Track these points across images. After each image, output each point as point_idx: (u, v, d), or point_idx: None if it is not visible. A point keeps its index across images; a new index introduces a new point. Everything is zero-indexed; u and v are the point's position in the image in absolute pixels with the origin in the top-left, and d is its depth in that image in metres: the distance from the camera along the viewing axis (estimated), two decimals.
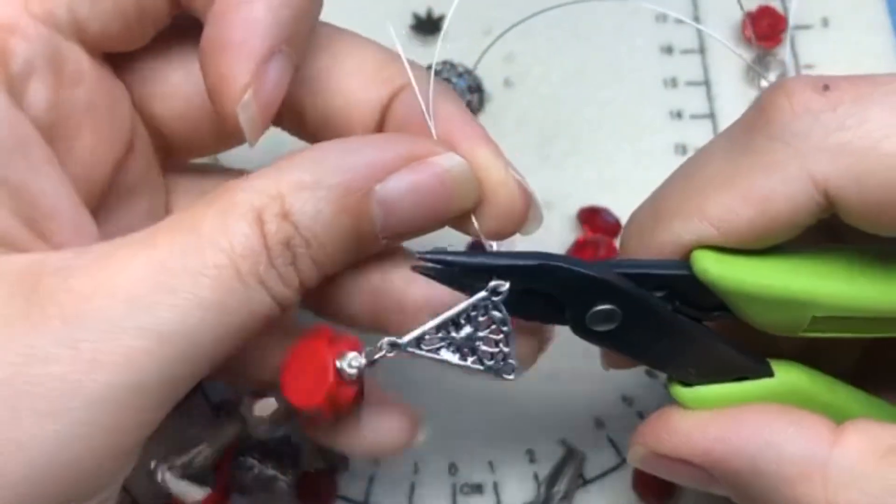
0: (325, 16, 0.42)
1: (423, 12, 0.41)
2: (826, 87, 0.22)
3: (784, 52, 0.40)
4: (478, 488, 0.33)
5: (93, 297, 0.21)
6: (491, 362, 0.24)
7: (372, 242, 0.24)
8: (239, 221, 0.22)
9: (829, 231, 0.24)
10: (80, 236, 0.24)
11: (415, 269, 0.24)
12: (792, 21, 0.40)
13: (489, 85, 0.40)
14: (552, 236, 0.36)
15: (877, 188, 0.21)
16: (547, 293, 0.24)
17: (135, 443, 0.22)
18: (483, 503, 0.33)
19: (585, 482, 0.33)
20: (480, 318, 0.24)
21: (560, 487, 0.32)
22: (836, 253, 0.24)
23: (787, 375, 0.25)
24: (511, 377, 0.24)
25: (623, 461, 0.33)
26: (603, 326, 0.24)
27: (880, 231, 0.22)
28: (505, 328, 0.24)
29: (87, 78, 0.25)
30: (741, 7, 0.38)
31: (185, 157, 0.30)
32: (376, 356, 0.24)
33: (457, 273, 0.24)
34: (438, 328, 0.24)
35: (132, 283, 0.21)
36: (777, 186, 0.22)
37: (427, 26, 0.41)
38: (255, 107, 0.23)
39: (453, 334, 0.24)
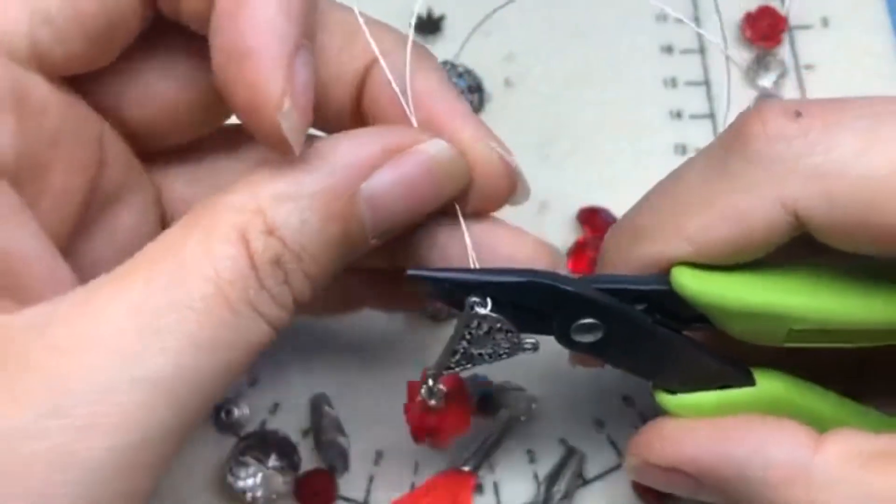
0: None
1: (423, 12, 0.41)
2: (798, 114, 0.23)
3: (784, 52, 0.40)
4: (478, 488, 0.33)
5: (75, 353, 0.19)
6: (508, 348, 0.25)
7: (362, 244, 0.23)
8: (222, 244, 0.20)
9: (809, 245, 0.24)
10: (55, 285, 0.22)
11: (409, 279, 0.24)
12: (792, 21, 0.40)
13: (489, 85, 0.40)
14: (552, 236, 0.36)
15: (844, 210, 0.22)
16: (532, 306, 0.24)
17: (146, 495, 0.21)
18: (483, 503, 0.33)
19: (585, 482, 0.33)
20: (480, 333, 0.24)
21: (560, 487, 0.32)
22: (813, 267, 0.24)
23: (768, 384, 0.26)
24: (534, 350, 0.25)
25: (623, 461, 0.33)
26: (587, 338, 0.25)
27: (852, 249, 0.23)
28: (502, 327, 0.24)
29: (51, 108, 0.23)
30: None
31: (166, 146, 0.27)
32: (433, 384, 0.25)
33: (447, 289, 0.24)
34: (453, 354, 0.24)
35: (115, 331, 0.19)
36: (752, 207, 0.23)
37: (427, 26, 0.41)
38: (296, 113, 0.21)
39: (471, 352, 0.24)
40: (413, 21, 0.27)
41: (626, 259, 0.25)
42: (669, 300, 0.24)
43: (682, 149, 0.39)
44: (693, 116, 0.39)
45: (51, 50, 0.23)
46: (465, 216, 0.25)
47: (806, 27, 0.40)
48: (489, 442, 0.33)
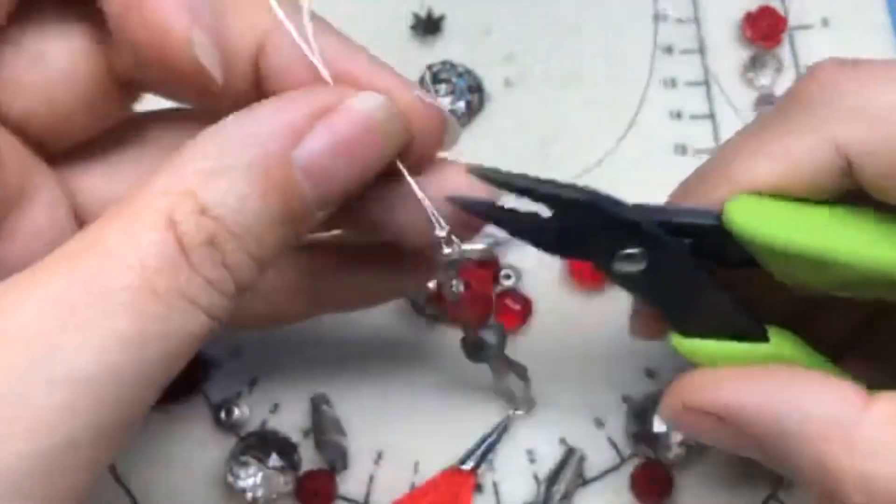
0: (326, 15, 0.42)
1: (423, 12, 0.41)
2: (853, 64, 0.24)
3: (784, 52, 0.40)
4: (478, 488, 0.33)
5: None
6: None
7: (306, 217, 0.21)
8: (147, 231, 0.19)
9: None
10: None
11: (470, 172, 0.23)
12: (792, 21, 0.40)
13: (489, 85, 0.40)
14: None
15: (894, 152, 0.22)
16: (579, 232, 0.24)
17: (81, 494, 0.19)
18: (483, 503, 0.33)
19: (585, 482, 0.33)
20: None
21: (560, 487, 0.32)
22: (869, 214, 0.24)
23: (781, 343, 0.26)
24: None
25: (622, 461, 0.33)
26: (628, 268, 0.25)
27: None
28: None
29: None
30: None
31: (69, 142, 0.25)
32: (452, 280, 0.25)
33: (498, 209, 0.24)
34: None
35: (31, 327, 0.18)
36: (801, 149, 0.23)
37: (427, 26, 0.41)
38: (207, 39, 0.21)
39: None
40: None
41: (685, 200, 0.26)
42: (719, 238, 0.24)
43: (682, 149, 0.39)
44: (693, 116, 0.39)
45: None
46: (408, 170, 0.23)
47: (806, 27, 0.40)
48: (488, 441, 0.33)
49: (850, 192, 0.24)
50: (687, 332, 0.26)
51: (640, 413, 0.33)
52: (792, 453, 0.22)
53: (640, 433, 0.33)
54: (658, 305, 0.26)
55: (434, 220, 0.23)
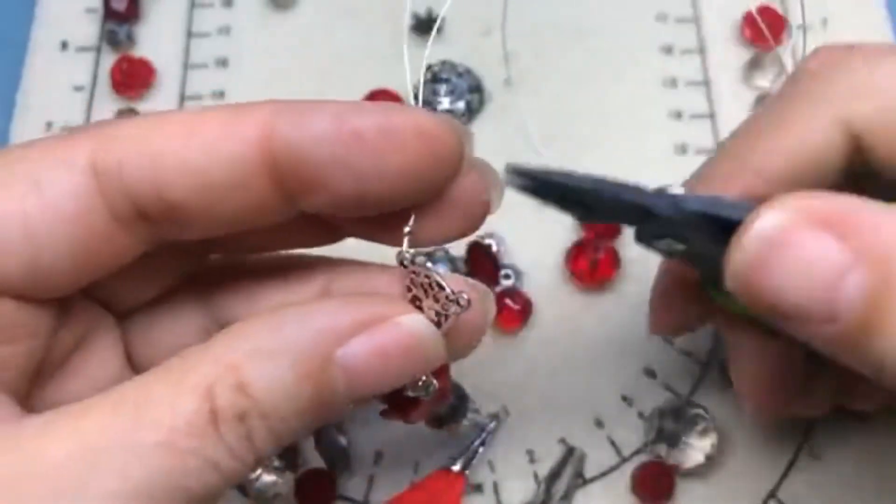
0: (326, 15, 0.42)
1: (422, 12, 0.41)
2: (848, 47, 0.24)
3: (784, 52, 0.40)
4: (478, 488, 0.33)
5: (17, 481, 0.19)
6: (451, 306, 0.23)
7: (335, 407, 0.22)
8: (187, 395, 0.20)
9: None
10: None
11: (509, 172, 0.23)
12: (792, 21, 0.40)
13: (489, 85, 0.40)
14: (552, 236, 0.36)
15: None
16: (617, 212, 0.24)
17: None
18: (483, 503, 0.33)
19: (585, 482, 0.33)
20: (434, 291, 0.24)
21: (559, 487, 0.32)
22: None
23: None
24: (466, 306, 0.23)
25: (622, 461, 0.33)
26: (668, 249, 0.24)
27: None
28: (435, 280, 0.23)
29: None
30: None
31: (133, 304, 0.27)
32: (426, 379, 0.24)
33: (543, 189, 0.23)
34: None
35: (56, 467, 0.19)
36: (808, 128, 0.23)
37: (427, 26, 0.41)
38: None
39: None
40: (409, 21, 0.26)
41: (704, 191, 0.26)
42: None
43: (682, 149, 0.39)
44: (693, 116, 0.39)
45: (10, 277, 0.22)
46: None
47: (806, 27, 0.40)
48: (477, 442, 0.33)
49: (859, 174, 0.24)
50: (722, 290, 0.25)
51: (675, 412, 0.33)
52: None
53: (667, 433, 0.33)
54: (695, 267, 0.27)
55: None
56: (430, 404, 0.24)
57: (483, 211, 0.25)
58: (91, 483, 0.19)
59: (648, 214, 0.23)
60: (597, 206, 0.23)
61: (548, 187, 0.23)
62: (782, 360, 0.28)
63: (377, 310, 0.23)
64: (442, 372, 0.24)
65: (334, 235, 0.26)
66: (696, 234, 0.23)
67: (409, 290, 0.23)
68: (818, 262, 0.19)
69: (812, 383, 0.29)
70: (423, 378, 0.23)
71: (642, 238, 0.25)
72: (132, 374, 0.27)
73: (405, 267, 0.23)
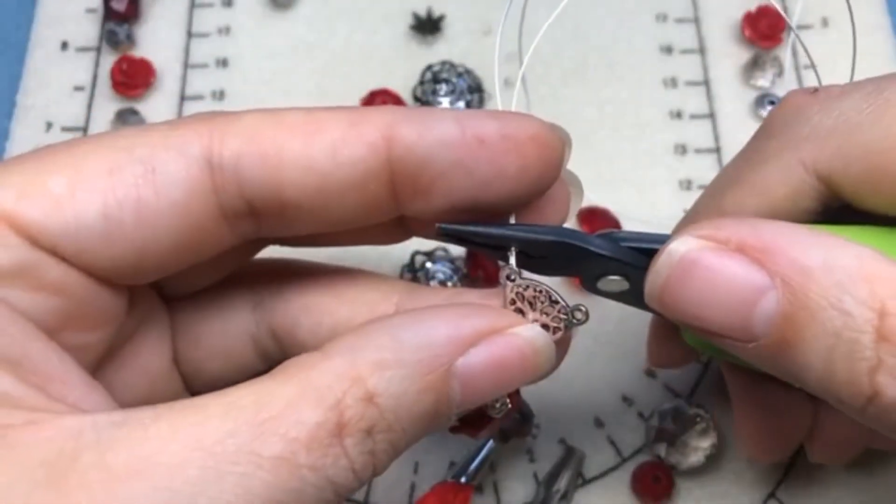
0: (326, 15, 0.42)
1: (423, 12, 0.41)
2: (815, 91, 0.24)
3: (784, 52, 0.40)
4: (478, 488, 0.33)
5: (127, 480, 0.18)
6: (564, 319, 0.24)
7: (445, 420, 0.22)
8: (313, 408, 0.19)
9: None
10: (92, 396, 0.22)
11: (439, 237, 0.24)
12: (792, 21, 0.40)
13: (489, 85, 0.40)
14: None
15: (858, 164, 0.23)
16: (561, 258, 0.24)
17: None
18: (483, 503, 0.33)
19: (585, 482, 0.33)
20: (535, 296, 0.24)
21: (559, 487, 0.32)
22: (860, 230, 0.24)
23: None
24: (584, 319, 0.24)
25: (622, 461, 0.33)
26: (612, 287, 0.25)
27: (886, 206, 0.23)
28: (545, 292, 0.24)
29: (67, 288, 0.22)
30: None
31: (188, 290, 0.27)
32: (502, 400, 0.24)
33: (478, 242, 0.24)
34: None
35: (174, 465, 0.18)
36: (775, 175, 0.24)
37: (427, 26, 0.41)
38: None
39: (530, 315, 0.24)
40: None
41: None
42: None
43: (681, 149, 0.39)
44: (693, 116, 0.39)
45: (95, 260, 0.22)
46: None
47: (806, 27, 0.40)
48: (477, 461, 0.33)
49: (838, 208, 0.24)
50: None
51: (675, 414, 0.33)
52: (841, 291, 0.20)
53: (668, 437, 0.33)
54: (652, 312, 0.26)
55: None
56: (499, 421, 0.24)
57: (563, 216, 0.25)
58: (208, 491, 0.18)
59: (587, 254, 0.24)
60: (535, 253, 0.24)
61: (480, 240, 0.24)
62: (779, 404, 0.28)
63: (497, 320, 0.22)
64: (514, 391, 0.24)
65: (405, 235, 0.26)
66: (637, 272, 0.24)
67: (514, 302, 0.24)
68: (733, 284, 0.20)
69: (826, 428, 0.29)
70: (500, 398, 0.23)
71: (587, 283, 0.25)
72: (177, 371, 0.27)
73: (512, 281, 0.24)
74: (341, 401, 0.20)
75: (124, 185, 0.22)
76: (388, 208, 0.23)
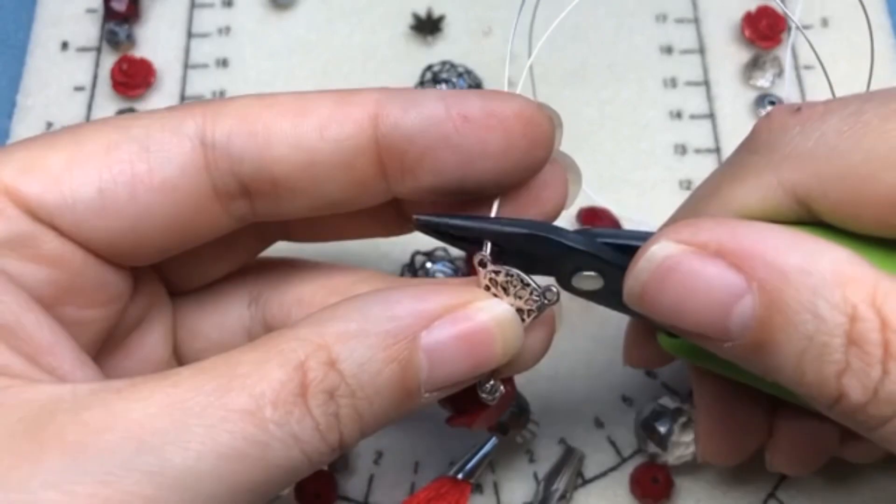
0: (326, 15, 0.42)
1: (423, 12, 0.41)
2: (798, 109, 0.24)
3: (784, 52, 0.40)
4: (478, 488, 0.33)
5: (102, 432, 0.19)
6: (537, 301, 0.24)
7: (415, 398, 0.23)
8: (277, 367, 0.20)
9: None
10: (83, 370, 0.22)
11: (416, 227, 0.24)
12: (792, 21, 0.40)
13: (489, 85, 0.40)
14: None
15: (840, 191, 0.23)
16: (535, 254, 0.24)
17: None
18: (483, 503, 0.33)
19: (584, 481, 0.33)
20: (508, 282, 0.24)
21: (559, 486, 0.32)
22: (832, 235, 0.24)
23: None
24: (555, 299, 0.24)
25: (622, 461, 0.33)
26: (587, 286, 0.25)
27: (864, 230, 0.23)
28: (516, 276, 0.24)
29: (64, 261, 0.23)
30: None
31: (195, 285, 0.28)
32: (494, 383, 0.24)
33: (452, 235, 0.24)
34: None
35: (144, 419, 0.19)
36: (752, 193, 0.24)
37: (427, 26, 0.41)
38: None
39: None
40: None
41: None
42: None
43: (681, 149, 0.39)
44: (693, 116, 0.39)
45: (92, 235, 0.23)
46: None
47: (806, 27, 0.40)
48: (476, 457, 0.33)
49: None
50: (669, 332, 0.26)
51: (656, 414, 0.33)
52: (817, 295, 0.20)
53: (651, 431, 0.33)
54: (628, 313, 0.27)
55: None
56: (495, 411, 0.25)
57: (561, 202, 0.25)
58: (176, 441, 0.19)
59: (562, 249, 0.24)
60: (511, 247, 0.24)
61: (456, 232, 0.24)
62: (739, 413, 0.29)
63: (461, 295, 0.23)
64: (508, 378, 0.24)
65: (403, 225, 0.27)
66: (612, 270, 0.24)
67: (487, 288, 0.24)
68: (711, 287, 0.21)
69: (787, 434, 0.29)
70: (492, 382, 0.24)
71: (563, 280, 0.25)
72: (176, 362, 0.28)
73: (484, 267, 0.24)
74: (304, 363, 0.21)
75: (119, 162, 0.23)
76: (378, 188, 0.24)
